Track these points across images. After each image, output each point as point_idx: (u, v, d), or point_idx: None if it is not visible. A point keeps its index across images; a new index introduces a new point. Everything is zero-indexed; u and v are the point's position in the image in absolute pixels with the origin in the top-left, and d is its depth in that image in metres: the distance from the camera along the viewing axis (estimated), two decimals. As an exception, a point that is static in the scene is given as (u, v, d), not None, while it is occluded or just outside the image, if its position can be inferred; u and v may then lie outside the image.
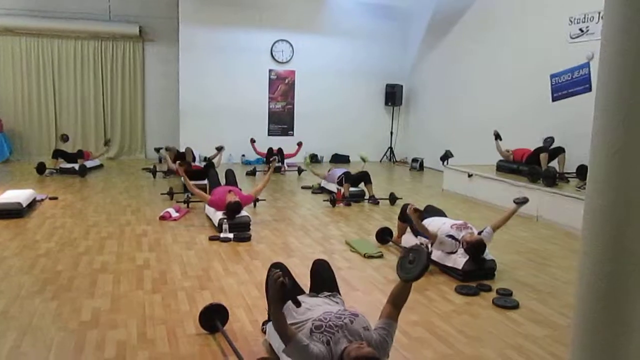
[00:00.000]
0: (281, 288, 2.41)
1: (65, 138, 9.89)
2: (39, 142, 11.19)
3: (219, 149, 8.86)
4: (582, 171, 7.09)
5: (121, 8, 11.22)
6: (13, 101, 10.96)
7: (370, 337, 2.51)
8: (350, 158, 12.22)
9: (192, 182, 7.77)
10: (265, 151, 10.66)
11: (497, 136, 8.22)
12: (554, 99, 7.29)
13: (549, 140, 7.60)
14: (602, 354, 1.51)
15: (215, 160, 8.49)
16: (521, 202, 4.76)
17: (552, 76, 7.26)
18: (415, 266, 2.58)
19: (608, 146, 1.49)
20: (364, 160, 8.57)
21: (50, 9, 10.76)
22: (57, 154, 9.49)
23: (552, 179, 6.80)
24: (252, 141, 10.97)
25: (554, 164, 7.44)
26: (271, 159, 6.35)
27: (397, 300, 2.66)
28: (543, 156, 7.37)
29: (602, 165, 1.52)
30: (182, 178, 6.34)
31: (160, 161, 10.85)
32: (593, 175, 1.57)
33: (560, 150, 7.46)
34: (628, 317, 1.50)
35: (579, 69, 6.85)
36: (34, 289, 3.92)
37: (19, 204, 6.11)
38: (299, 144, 10.96)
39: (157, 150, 10.75)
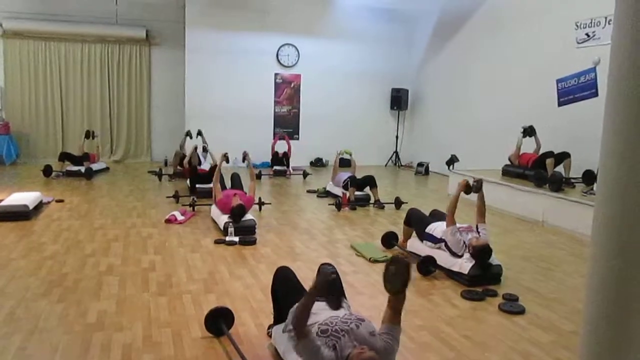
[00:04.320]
0: (330, 284, 2.49)
1: (87, 134, 9.91)
2: (46, 145, 11.25)
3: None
4: (588, 176, 7.06)
5: (128, 12, 11.27)
6: (20, 104, 11.03)
7: (376, 342, 2.50)
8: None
9: (197, 185, 7.87)
10: (270, 157, 10.69)
11: (526, 132, 7.97)
12: (559, 104, 7.27)
13: (528, 129, 7.53)
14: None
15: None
16: (478, 187, 4.73)
17: (559, 81, 7.23)
18: (397, 278, 2.47)
19: (618, 150, 1.48)
20: (348, 154, 8.51)
21: (57, 13, 10.84)
22: (64, 156, 9.53)
23: (558, 184, 6.77)
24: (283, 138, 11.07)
25: (560, 169, 7.42)
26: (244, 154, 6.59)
27: (395, 305, 2.59)
28: (549, 161, 7.36)
29: (613, 169, 1.51)
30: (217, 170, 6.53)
31: (165, 164, 10.89)
32: (603, 179, 1.56)
33: (565, 155, 7.44)
34: (638, 322, 1.49)
35: (585, 74, 6.82)
36: (40, 291, 3.93)
37: (26, 206, 6.14)
38: (283, 137, 11.03)
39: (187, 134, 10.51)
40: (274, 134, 11.83)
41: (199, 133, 9.81)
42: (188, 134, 10.09)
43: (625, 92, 1.46)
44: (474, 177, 5.06)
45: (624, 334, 1.50)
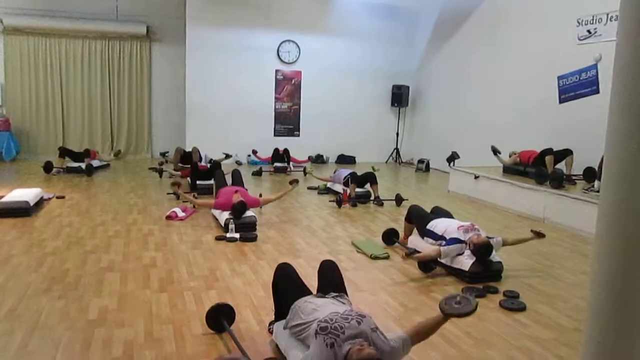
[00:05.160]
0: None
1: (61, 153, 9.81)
2: (46, 141, 11.24)
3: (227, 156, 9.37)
4: (589, 173, 7.06)
5: (129, 8, 11.25)
6: (20, 100, 11.01)
7: (378, 338, 2.48)
8: (356, 159, 12.21)
9: (198, 182, 7.87)
10: (269, 155, 10.71)
11: (495, 151, 8.23)
12: (561, 101, 7.26)
13: (561, 151, 7.56)
14: (614, 357, 1.50)
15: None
16: (536, 235, 4.73)
17: (560, 78, 7.22)
18: (460, 308, 2.67)
19: (624, 145, 1.48)
20: (374, 169, 8.50)
21: (57, 9, 10.81)
22: (64, 152, 9.52)
23: (559, 181, 6.77)
24: (254, 152, 11.14)
25: (561, 166, 7.41)
26: (291, 182, 6.62)
27: (424, 329, 2.72)
28: (549, 158, 7.35)
29: (618, 165, 1.51)
30: (180, 192, 6.64)
31: (166, 161, 10.89)
32: (608, 175, 1.55)
33: (567, 152, 7.43)
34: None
35: (586, 71, 6.80)
36: (41, 288, 3.93)
37: (27, 202, 6.15)
38: (310, 159, 11.45)
39: (163, 154, 10.87)
40: (274, 131, 11.85)
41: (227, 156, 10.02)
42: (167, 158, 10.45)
43: (630, 88, 1.45)
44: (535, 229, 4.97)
45: (628, 331, 1.50)
